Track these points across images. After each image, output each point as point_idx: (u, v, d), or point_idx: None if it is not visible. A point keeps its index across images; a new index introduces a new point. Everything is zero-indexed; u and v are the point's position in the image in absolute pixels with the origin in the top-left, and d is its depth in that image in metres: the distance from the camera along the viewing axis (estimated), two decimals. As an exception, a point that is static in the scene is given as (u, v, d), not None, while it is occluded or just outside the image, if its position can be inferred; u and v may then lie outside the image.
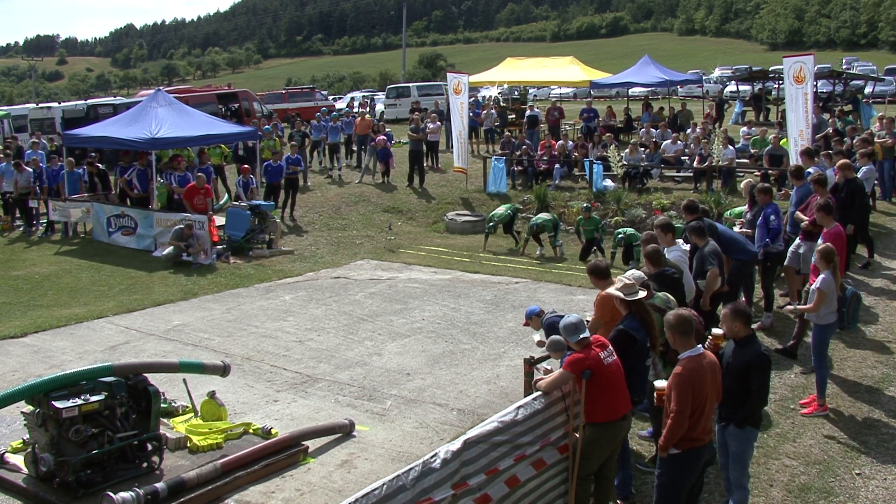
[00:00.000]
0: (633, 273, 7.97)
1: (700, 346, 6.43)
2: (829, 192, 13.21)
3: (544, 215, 19.56)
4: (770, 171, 20.12)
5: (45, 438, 7.37)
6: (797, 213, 12.89)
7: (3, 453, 8.09)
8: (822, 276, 9.27)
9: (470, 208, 23.51)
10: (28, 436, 7.80)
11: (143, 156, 20.43)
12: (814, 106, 18.90)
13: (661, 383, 6.74)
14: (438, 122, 28.04)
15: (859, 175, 14.86)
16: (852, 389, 10.06)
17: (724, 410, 6.79)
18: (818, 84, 33.29)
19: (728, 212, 15.85)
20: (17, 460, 7.94)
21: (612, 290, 7.41)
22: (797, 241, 12.48)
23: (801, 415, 9.38)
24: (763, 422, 8.72)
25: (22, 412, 7.78)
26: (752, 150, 23.66)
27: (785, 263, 12.54)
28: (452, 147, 27.14)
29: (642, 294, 7.33)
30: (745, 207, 14.42)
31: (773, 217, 12.07)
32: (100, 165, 22.54)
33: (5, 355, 11.99)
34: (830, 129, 22.39)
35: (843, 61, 65.48)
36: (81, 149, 23.88)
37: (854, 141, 19.85)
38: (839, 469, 8.16)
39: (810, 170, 14.03)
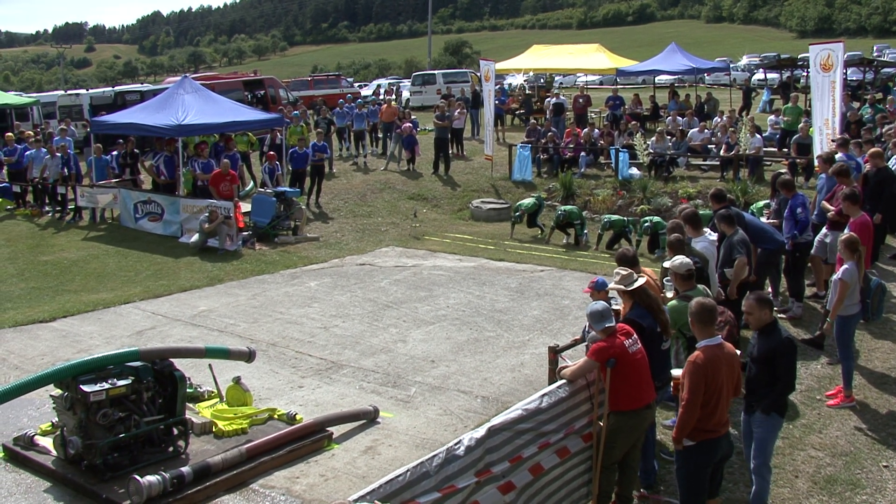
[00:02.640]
0: (682, 260, 7.96)
1: (719, 336, 6.39)
2: (860, 182, 13.08)
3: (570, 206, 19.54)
4: (798, 160, 19.92)
5: (73, 421, 7.45)
6: (824, 202, 12.76)
7: (33, 436, 8.19)
8: (844, 266, 9.17)
9: (495, 196, 23.46)
10: (57, 419, 7.89)
11: (171, 142, 20.56)
12: (842, 94, 18.63)
13: (677, 372, 6.72)
14: (464, 110, 28.01)
15: (892, 164, 14.67)
16: (880, 381, 9.96)
17: (750, 398, 6.75)
18: (848, 72, 32.91)
19: (753, 205, 15.73)
20: (47, 443, 8.05)
21: (611, 285, 7.43)
22: (824, 230, 12.36)
23: (828, 406, 9.31)
24: (789, 412, 8.68)
25: (51, 395, 7.88)
26: (785, 118, 23.54)
27: (811, 252, 12.43)
28: (483, 134, 27.14)
29: (641, 281, 7.31)
30: (765, 202, 14.33)
31: (800, 209, 11.94)
32: (136, 151, 22.64)
33: (34, 339, 12.13)
34: (850, 119, 22.10)
35: (874, 49, 64.71)
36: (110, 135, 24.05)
37: (884, 129, 19.61)
38: (866, 461, 8.10)
39: (838, 156, 13.89)
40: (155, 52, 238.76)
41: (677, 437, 6.36)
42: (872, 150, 14.31)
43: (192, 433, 8.25)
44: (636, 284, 7.26)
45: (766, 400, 6.67)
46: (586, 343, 8.55)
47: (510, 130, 31.21)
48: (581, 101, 30.39)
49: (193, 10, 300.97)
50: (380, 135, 28.51)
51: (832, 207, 12.27)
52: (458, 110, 27.32)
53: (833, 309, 9.29)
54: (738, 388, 6.53)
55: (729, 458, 6.84)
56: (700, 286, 8.20)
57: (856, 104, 26.78)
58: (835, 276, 9.33)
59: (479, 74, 29.00)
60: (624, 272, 7.34)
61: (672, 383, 6.78)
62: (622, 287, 7.27)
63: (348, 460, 8.10)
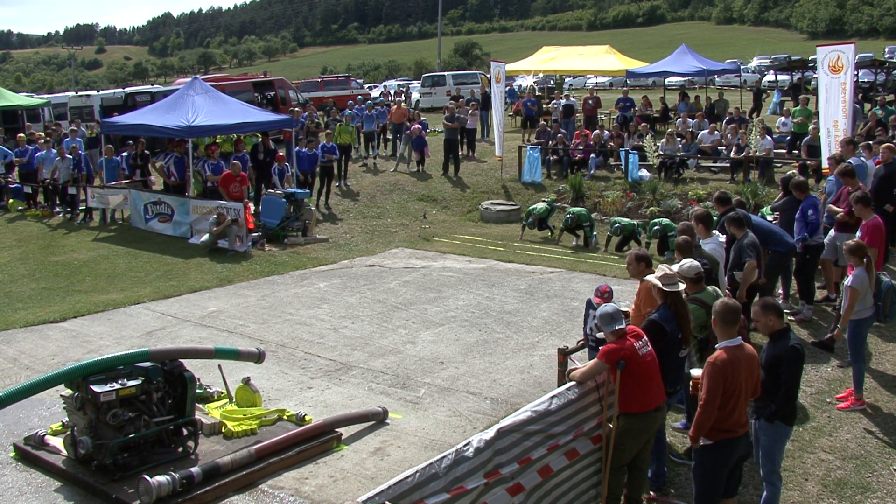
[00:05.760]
0: (691, 263, 7.92)
1: (739, 338, 6.35)
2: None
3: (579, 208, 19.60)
4: (808, 162, 19.86)
5: (83, 422, 7.47)
6: (830, 205, 12.72)
7: (44, 435, 8.21)
8: (854, 272, 9.13)
9: (505, 197, 23.46)
10: (67, 419, 7.91)
11: (181, 143, 20.61)
12: (852, 96, 18.54)
13: (696, 372, 6.69)
14: (476, 111, 28.11)
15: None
16: (891, 384, 9.92)
17: (757, 403, 6.72)
18: (859, 73, 32.77)
19: (764, 209, 15.70)
20: (57, 442, 8.07)
21: (651, 277, 7.37)
22: (832, 232, 12.30)
23: (838, 409, 9.27)
24: (799, 415, 8.66)
25: (61, 395, 7.90)
26: (795, 120, 23.55)
27: (823, 255, 12.39)
28: (493, 136, 27.21)
29: (680, 287, 7.27)
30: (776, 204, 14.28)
31: (811, 211, 11.89)
32: (147, 152, 22.67)
33: (45, 339, 12.17)
34: (871, 122, 22.04)
35: (886, 50, 64.41)
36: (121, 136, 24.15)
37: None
38: (876, 464, 8.06)
39: (851, 160, 13.83)
40: (165, 53, 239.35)
41: (694, 437, 6.33)
42: (885, 145, 14.24)
43: (202, 434, 8.26)
44: (675, 288, 7.21)
45: (770, 408, 6.63)
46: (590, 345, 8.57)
47: (517, 132, 31.15)
48: (591, 102, 30.39)
49: (204, 11, 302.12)
50: (389, 136, 28.57)
51: (839, 209, 12.23)
52: (471, 111, 27.41)
53: (844, 315, 9.26)
54: (758, 389, 6.48)
55: (748, 458, 6.81)
56: (710, 288, 8.18)
57: (868, 105, 26.64)
58: (846, 283, 9.30)
59: (488, 76, 29.00)
60: (669, 271, 7.30)
61: (691, 383, 6.74)
62: (659, 284, 7.21)
63: (357, 461, 8.10)
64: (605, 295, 8.62)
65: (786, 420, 6.70)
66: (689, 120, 26.39)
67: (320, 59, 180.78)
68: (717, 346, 6.33)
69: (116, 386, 7.38)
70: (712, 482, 6.44)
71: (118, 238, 19.76)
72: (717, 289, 8.30)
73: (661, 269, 7.36)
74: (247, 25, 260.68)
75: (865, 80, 36.32)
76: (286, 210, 19.25)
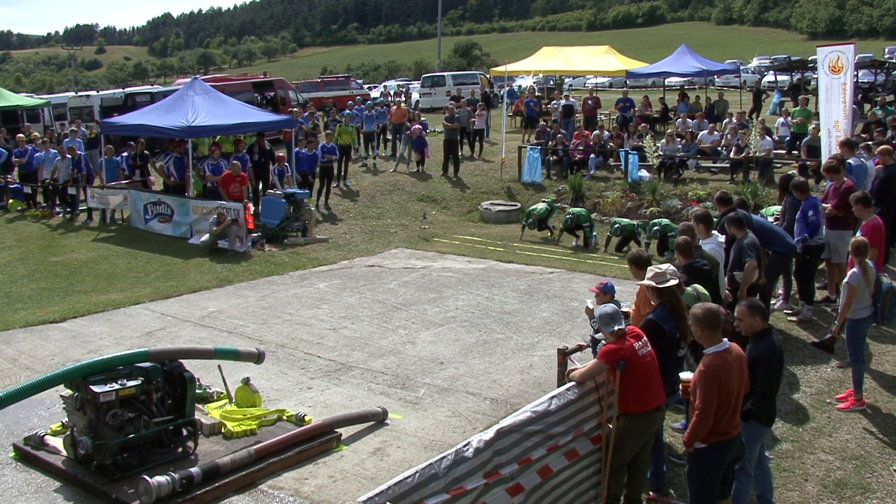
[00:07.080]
0: (667, 266, 7.91)
1: (726, 340, 6.33)
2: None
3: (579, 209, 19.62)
4: (808, 163, 19.86)
5: (83, 422, 7.47)
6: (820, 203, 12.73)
7: (43, 436, 8.21)
8: (852, 270, 9.15)
9: (504, 197, 23.46)
10: (67, 419, 7.91)
11: (181, 144, 20.60)
12: (852, 97, 18.54)
13: (686, 375, 6.67)
14: (484, 111, 28.20)
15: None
16: (890, 384, 9.92)
17: None
18: (859, 74, 32.76)
19: (764, 209, 15.69)
20: (57, 443, 8.07)
21: (643, 280, 7.37)
22: (824, 229, 12.26)
23: (838, 409, 9.27)
24: (799, 416, 8.69)
25: (61, 396, 7.90)
26: (795, 120, 23.57)
27: (828, 256, 12.41)
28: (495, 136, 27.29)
29: (673, 282, 7.26)
30: (778, 207, 14.27)
31: (811, 212, 11.89)
32: (146, 152, 22.65)
33: (45, 340, 12.17)
34: (870, 122, 22.04)
35: (886, 50, 64.40)
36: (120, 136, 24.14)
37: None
38: (876, 465, 8.06)
39: (851, 160, 13.82)
40: (165, 53, 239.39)
41: (688, 443, 6.32)
42: (882, 147, 14.24)
43: (202, 434, 8.26)
44: (668, 284, 7.20)
45: (745, 407, 6.60)
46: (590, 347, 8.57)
47: (517, 132, 31.15)
48: (590, 103, 30.42)
49: (203, 11, 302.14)
50: (389, 136, 28.57)
51: (827, 205, 12.24)
52: (478, 111, 27.46)
53: (841, 313, 9.27)
54: (746, 386, 6.48)
55: (741, 459, 6.81)
56: (689, 288, 8.13)
57: (867, 106, 26.63)
58: (844, 281, 9.31)
59: (488, 76, 28.98)
60: (658, 269, 7.29)
61: (681, 386, 6.73)
62: (653, 284, 7.20)
63: (357, 461, 8.10)
64: (602, 287, 8.59)
65: (762, 420, 6.71)
66: (689, 120, 26.40)
67: (320, 59, 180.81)
68: (705, 351, 6.29)
69: (116, 386, 7.37)
70: (708, 485, 6.43)
71: (118, 238, 19.75)
72: (697, 287, 8.25)
73: (652, 269, 7.35)
74: (246, 26, 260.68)
75: (865, 80, 36.32)
76: (286, 210, 19.25)
